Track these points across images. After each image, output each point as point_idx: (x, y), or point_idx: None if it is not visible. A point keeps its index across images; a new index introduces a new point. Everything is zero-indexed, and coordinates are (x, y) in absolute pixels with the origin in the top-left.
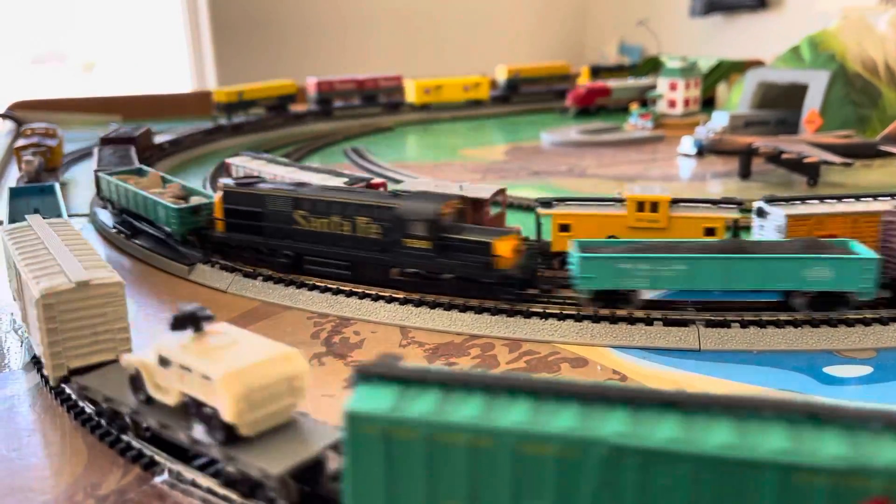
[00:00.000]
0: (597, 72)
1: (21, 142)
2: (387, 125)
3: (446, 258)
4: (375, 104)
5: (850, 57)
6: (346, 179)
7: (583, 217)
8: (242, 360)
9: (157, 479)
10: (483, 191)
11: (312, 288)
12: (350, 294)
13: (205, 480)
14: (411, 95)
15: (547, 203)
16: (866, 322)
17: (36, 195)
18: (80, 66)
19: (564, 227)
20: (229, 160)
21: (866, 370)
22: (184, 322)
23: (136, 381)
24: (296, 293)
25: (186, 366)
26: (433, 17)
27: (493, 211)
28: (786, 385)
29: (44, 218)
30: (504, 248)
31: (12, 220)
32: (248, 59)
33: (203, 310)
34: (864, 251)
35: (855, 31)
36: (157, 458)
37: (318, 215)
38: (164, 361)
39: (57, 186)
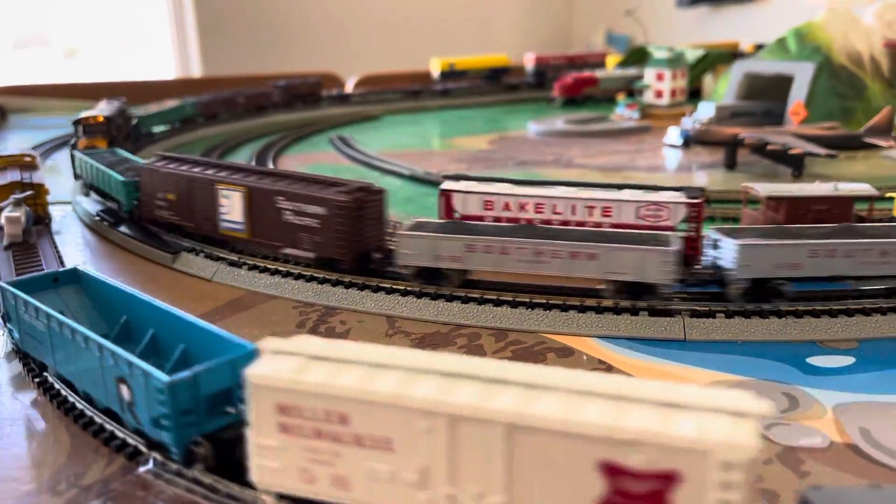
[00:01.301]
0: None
1: None
2: (373, 113)
3: None
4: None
5: (835, 49)
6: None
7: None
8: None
9: (142, 469)
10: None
11: (298, 277)
12: (336, 283)
13: (189, 470)
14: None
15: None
16: (849, 313)
17: (48, 290)
18: (62, 51)
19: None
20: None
21: (849, 360)
22: None
23: None
24: (281, 282)
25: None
26: (422, 7)
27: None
28: (769, 375)
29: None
30: None
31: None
32: (233, 45)
33: None
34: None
35: (841, 23)
36: (141, 447)
37: None
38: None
39: (83, 269)
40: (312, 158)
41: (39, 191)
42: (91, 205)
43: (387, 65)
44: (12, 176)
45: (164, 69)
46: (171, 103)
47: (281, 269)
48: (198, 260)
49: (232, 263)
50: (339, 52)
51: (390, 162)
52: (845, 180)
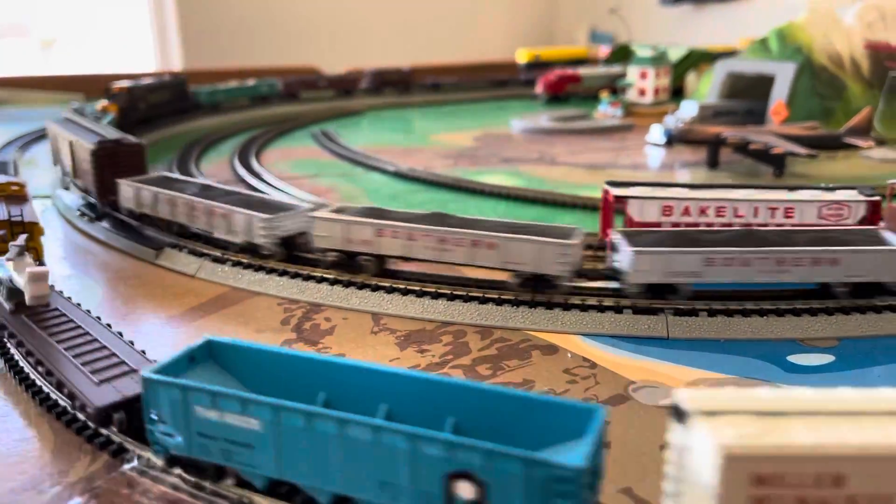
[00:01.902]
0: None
1: None
2: (357, 108)
3: None
4: None
5: (816, 49)
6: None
7: None
8: None
9: (127, 466)
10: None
11: (283, 273)
12: (321, 280)
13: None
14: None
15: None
16: (829, 312)
17: (184, 373)
18: (38, 42)
19: None
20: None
21: (828, 359)
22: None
23: None
24: (265, 279)
25: None
26: (404, 3)
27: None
28: (751, 373)
29: None
30: None
31: None
32: (215, 38)
33: None
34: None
35: (822, 23)
36: (126, 444)
37: None
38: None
39: (218, 339)
40: (294, 154)
41: (33, 232)
42: (72, 199)
43: (369, 61)
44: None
45: (144, 62)
46: (250, 82)
47: (265, 265)
48: (181, 256)
49: (216, 260)
50: (321, 47)
51: (374, 157)
52: (827, 180)
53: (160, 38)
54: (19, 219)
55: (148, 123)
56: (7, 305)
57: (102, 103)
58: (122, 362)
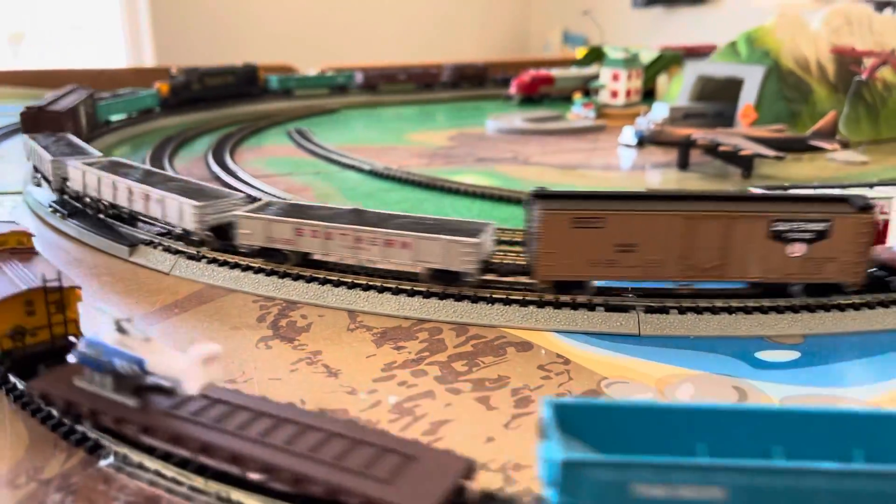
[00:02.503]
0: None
1: None
2: (332, 107)
3: None
4: None
5: (784, 53)
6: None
7: None
8: None
9: (103, 463)
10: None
11: (258, 271)
12: (297, 277)
13: (152, 463)
14: None
15: None
16: (795, 309)
17: None
18: (7, 37)
19: None
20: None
21: (794, 355)
22: None
23: None
24: (241, 276)
25: None
26: (378, 5)
27: None
28: (720, 369)
29: None
30: None
31: None
32: (187, 34)
33: None
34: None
35: (789, 28)
36: (102, 441)
37: None
38: None
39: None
40: (269, 152)
41: (70, 299)
42: (43, 195)
43: (343, 60)
44: (20, 276)
45: (115, 57)
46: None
47: (241, 262)
48: (155, 253)
49: (191, 257)
50: (295, 45)
51: (349, 156)
52: (793, 181)
53: (131, 34)
54: (56, 285)
55: (205, 102)
56: (128, 399)
57: (159, 82)
58: (388, 450)
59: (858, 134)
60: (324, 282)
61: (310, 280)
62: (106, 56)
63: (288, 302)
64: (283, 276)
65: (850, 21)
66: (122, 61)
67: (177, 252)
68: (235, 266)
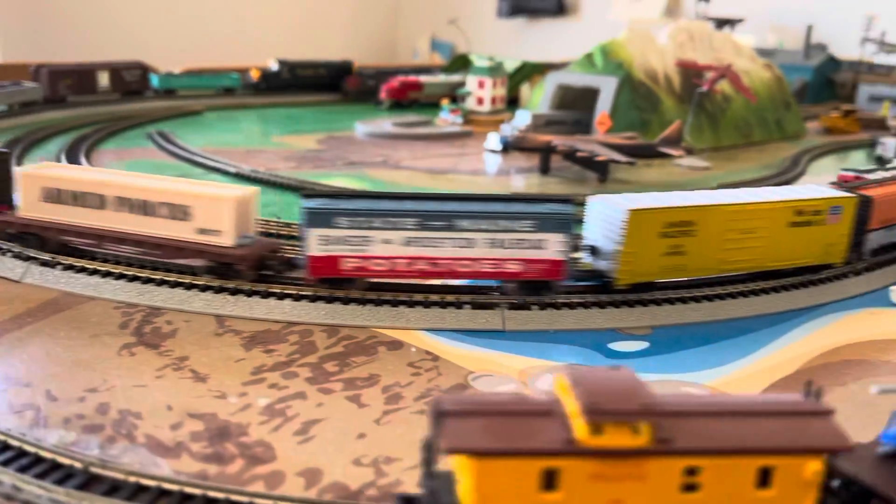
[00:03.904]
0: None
1: None
2: (195, 109)
3: None
4: None
5: (635, 65)
6: None
7: None
8: None
9: None
10: None
11: (120, 277)
12: (161, 283)
13: (8, 477)
14: None
15: None
16: (644, 303)
17: None
18: None
19: None
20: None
21: (643, 345)
22: None
23: None
24: (101, 282)
25: None
26: (243, 5)
27: None
28: (577, 359)
29: None
30: None
31: None
32: (39, 30)
33: None
34: None
35: (639, 41)
36: None
37: None
38: None
39: None
40: (129, 154)
41: None
42: None
43: (202, 61)
44: None
45: None
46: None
47: (100, 268)
48: (4, 259)
49: (44, 263)
50: (153, 43)
51: (215, 159)
52: (642, 185)
53: None
54: None
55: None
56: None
57: (255, 68)
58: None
59: (701, 141)
60: (189, 287)
61: (174, 285)
62: None
63: (151, 308)
64: (147, 281)
65: (693, 37)
66: None
67: (28, 258)
68: (95, 272)
